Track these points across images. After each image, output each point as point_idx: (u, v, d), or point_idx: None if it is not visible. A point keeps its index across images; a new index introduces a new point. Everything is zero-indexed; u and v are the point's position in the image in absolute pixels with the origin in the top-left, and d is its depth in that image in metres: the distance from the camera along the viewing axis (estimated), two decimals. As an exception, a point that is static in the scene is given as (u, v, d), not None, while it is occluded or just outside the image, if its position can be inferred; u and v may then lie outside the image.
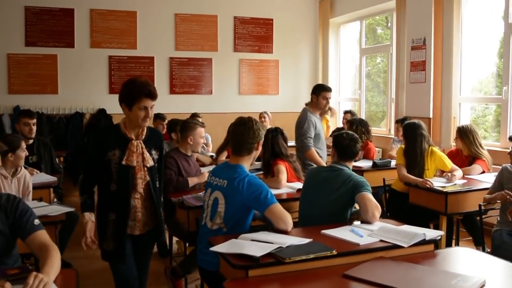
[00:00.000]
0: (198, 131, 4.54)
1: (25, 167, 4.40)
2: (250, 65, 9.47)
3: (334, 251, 2.50)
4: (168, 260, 4.69)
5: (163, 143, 3.28)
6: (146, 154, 3.04)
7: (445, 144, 6.68)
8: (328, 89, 5.37)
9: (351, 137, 3.46)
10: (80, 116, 8.17)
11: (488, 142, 6.43)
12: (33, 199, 4.16)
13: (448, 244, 4.61)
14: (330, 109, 7.02)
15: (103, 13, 8.43)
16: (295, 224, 3.41)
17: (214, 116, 8.60)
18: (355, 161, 5.55)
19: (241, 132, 3.11)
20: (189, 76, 9.03)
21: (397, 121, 6.94)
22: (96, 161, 3.01)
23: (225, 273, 2.57)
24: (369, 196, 3.14)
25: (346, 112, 7.89)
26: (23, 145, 4.13)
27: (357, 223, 3.12)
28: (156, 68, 8.77)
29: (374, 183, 5.41)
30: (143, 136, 3.06)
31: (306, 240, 2.66)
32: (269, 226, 3.02)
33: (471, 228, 4.86)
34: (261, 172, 4.76)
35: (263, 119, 8.08)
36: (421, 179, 4.58)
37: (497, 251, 3.73)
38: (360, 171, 5.46)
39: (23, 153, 4.10)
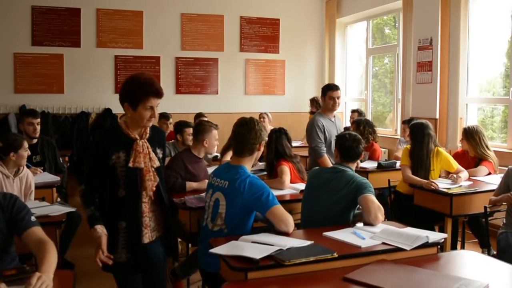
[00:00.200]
0: (213, 134, 4.47)
1: (28, 166, 4.41)
2: (256, 65, 9.45)
3: (335, 254, 2.46)
4: (170, 260, 4.67)
5: (165, 140, 3.16)
6: (152, 154, 2.85)
7: (452, 145, 6.62)
8: (334, 88, 5.23)
9: (354, 138, 3.43)
10: (86, 115, 8.19)
11: (495, 143, 6.37)
12: (35, 199, 4.17)
13: (454, 246, 4.56)
14: None
15: (109, 13, 8.45)
16: (298, 225, 3.40)
17: (220, 116, 8.57)
18: (361, 161, 5.56)
19: (243, 133, 3.08)
20: (195, 76, 9.03)
21: (403, 122, 6.89)
22: (99, 168, 2.77)
23: (225, 275, 2.54)
24: (372, 197, 3.10)
25: (353, 111, 7.83)
26: (26, 144, 4.13)
27: (359, 225, 3.08)
28: (162, 68, 8.78)
29: (379, 184, 5.39)
30: (147, 135, 2.87)
31: (307, 242, 2.63)
32: (271, 227, 2.99)
33: (477, 230, 4.81)
34: (265, 173, 4.73)
35: (262, 119, 8.07)
36: (426, 181, 4.53)
37: (502, 254, 3.69)
38: (365, 172, 5.42)
39: (25, 152, 4.10)
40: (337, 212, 3.25)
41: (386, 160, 6.23)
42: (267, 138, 3.39)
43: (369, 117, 8.79)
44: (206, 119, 6.79)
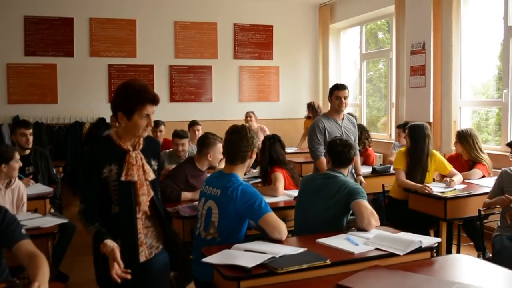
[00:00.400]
0: (218, 147, 4.38)
1: (20, 178, 4.38)
2: (250, 72, 9.45)
3: (328, 261, 2.45)
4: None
5: (160, 151, 3.00)
6: (147, 166, 2.68)
7: (446, 148, 6.62)
8: (340, 87, 4.97)
9: (345, 143, 3.42)
10: (79, 125, 8.15)
11: (490, 146, 6.37)
12: (28, 210, 4.13)
13: (449, 250, 4.55)
14: None
15: (103, 22, 8.44)
16: (292, 232, 3.38)
17: (215, 124, 8.55)
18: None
19: (234, 141, 3.07)
20: (189, 84, 9.02)
21: (398, 126, 6.90)
22: (93, 179, 2.57)
23: (218, 284, 2.52)
24: (365, 203, 3.10)
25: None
26: (17, 156, 4.10)
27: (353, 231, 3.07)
28: (155, 76, 8.77)
29: (374, 189, 5.39)
30: (141, 146, 2.69)
31: (300, 250, 2.61)
32: (265, 235, 2.97)
33: (472, 233, 4.80)
34: (259, 180, 4.72)
35: (249, 118, 8.10)
36: (420, 185, 4.53)
37: (498, 256, 3.69)
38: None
39: (17, 164, 4.07)
40: (331, 217, 3.24)
41: (381, 165, 6.21)
42: (260, 145, 3.37)
43: (364, 122, 8.80)
44: (200, 127, 6.78)
